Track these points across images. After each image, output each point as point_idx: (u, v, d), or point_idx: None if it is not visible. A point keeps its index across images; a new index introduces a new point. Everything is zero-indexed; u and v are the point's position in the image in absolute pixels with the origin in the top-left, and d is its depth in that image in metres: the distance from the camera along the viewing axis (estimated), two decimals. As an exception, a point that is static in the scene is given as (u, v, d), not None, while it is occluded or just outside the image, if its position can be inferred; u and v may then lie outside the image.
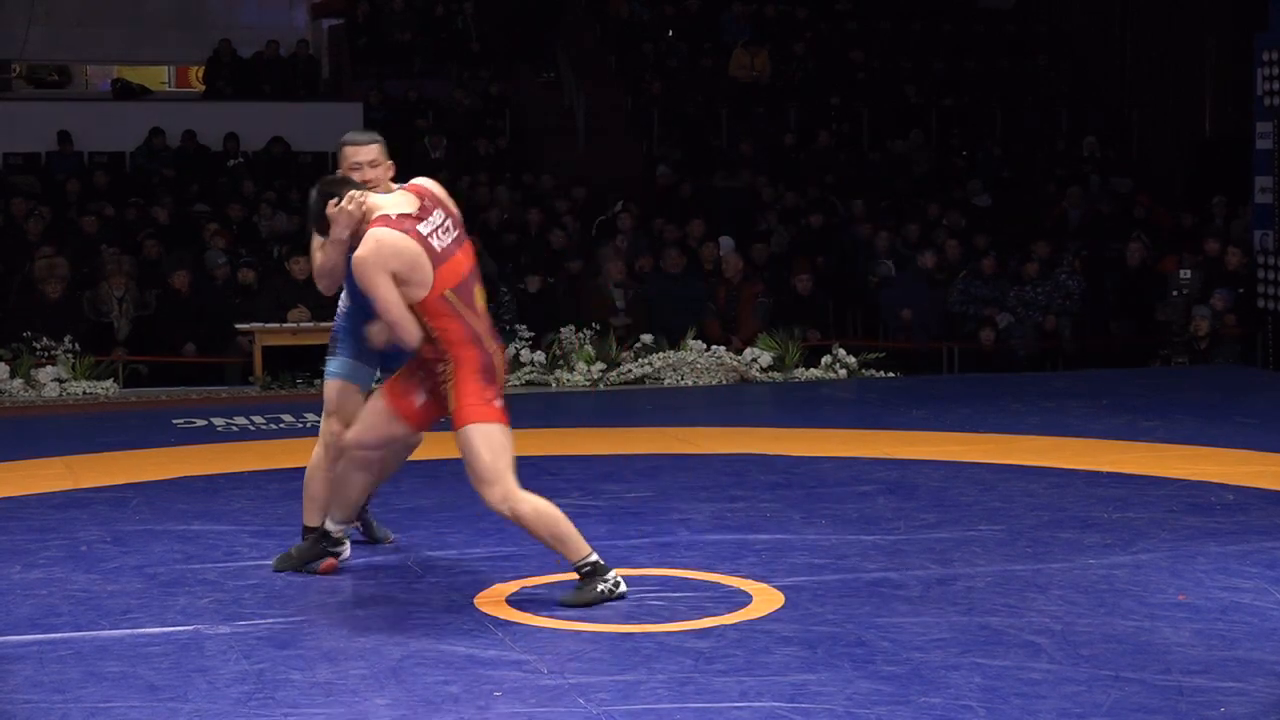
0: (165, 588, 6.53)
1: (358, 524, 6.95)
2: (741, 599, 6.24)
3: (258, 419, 11.36)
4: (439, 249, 6.07)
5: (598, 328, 14.34)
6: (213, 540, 7.34)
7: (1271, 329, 14.41)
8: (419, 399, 6.26)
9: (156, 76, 25.26)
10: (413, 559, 6.96)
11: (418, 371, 6.25)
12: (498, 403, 6.13)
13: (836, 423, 11.20)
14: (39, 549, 7.27)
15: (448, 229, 6.16)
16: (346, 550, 6.73)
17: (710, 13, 22.11)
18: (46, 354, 13.52)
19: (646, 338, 14.21)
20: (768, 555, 6.98)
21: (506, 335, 14.32)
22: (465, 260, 6.18)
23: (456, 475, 8.74)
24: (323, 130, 19.69)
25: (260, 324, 13.76)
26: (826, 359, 14.22)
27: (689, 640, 5.66)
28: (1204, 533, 7.37)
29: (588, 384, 13.77)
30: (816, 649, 5.54)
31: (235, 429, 10.97)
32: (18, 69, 23.51)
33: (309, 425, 10.57)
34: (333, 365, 6.74)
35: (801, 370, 14.09)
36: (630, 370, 13.90)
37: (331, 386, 6.72)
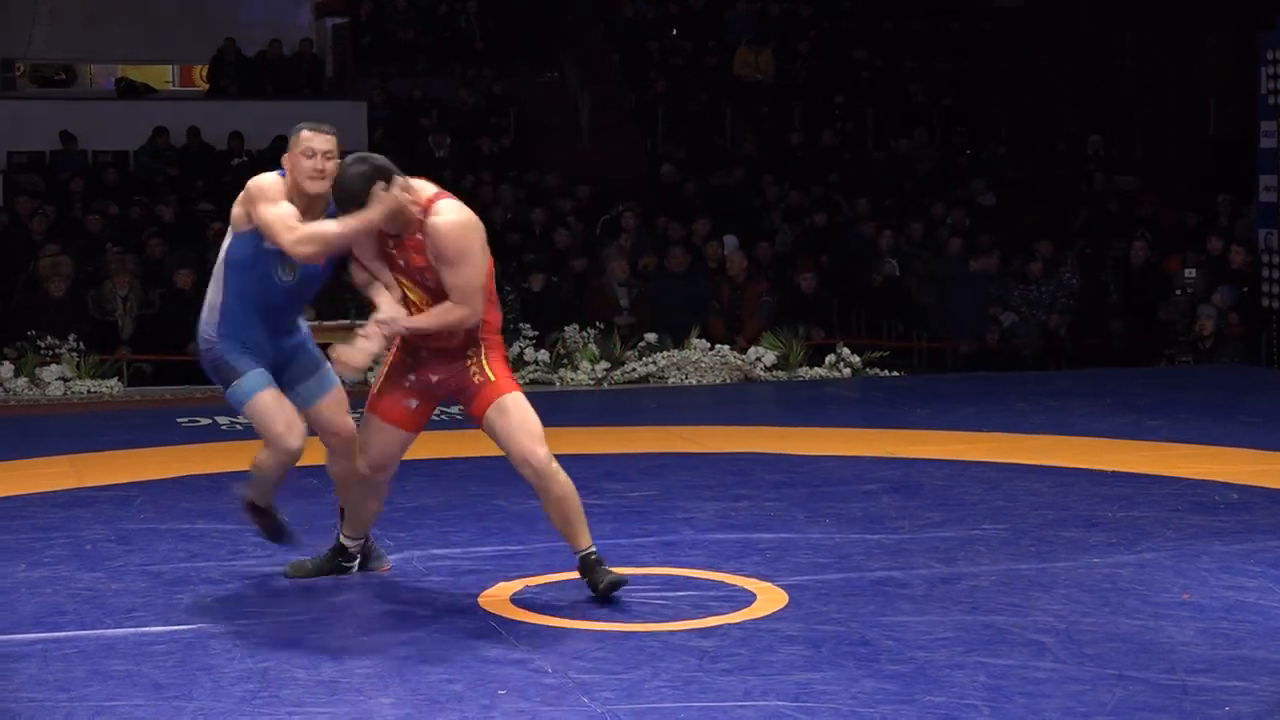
0: (170, 586, 6.54)
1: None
2: (746, 598, 6.24)
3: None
4: None
5: (602, 326, 14.33)
6: (217, 539, 7.34)
7: (1276, 328, 14.39)
8: (411, 403, 6.25)
9: (161, 75, 25.24)
10: (417, 558, 6.95)
11: (407, 375, 6.22)
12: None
13: (840, 421, 11.20)
14: (44, 547, 7.27)
15: None
16: (355, 566, 6.74)
17: (714, 11, 22.11)
18: (51, 353, 13.52)
19: (651, 336, 14.21)
20: (772, 554, 6.98)
21: (510, 334, 14.33)
22: None
23: (461, 474, 8.79)
24: (327, 129, 19.72)
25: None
26: (830, 358, 14.21)
27: (693, 639, 5.66)
28: (1209, 532, 7.37)
29: (592, 383, 13.77)
30: (821, 648, 5.54)
31: (239, 427, 10.95)
32: (21, 68, 23.51)
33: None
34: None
35: (806, 369, 14.09)
36: (634, 369, 13.89)
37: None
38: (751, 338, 14.51)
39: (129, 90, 22.18)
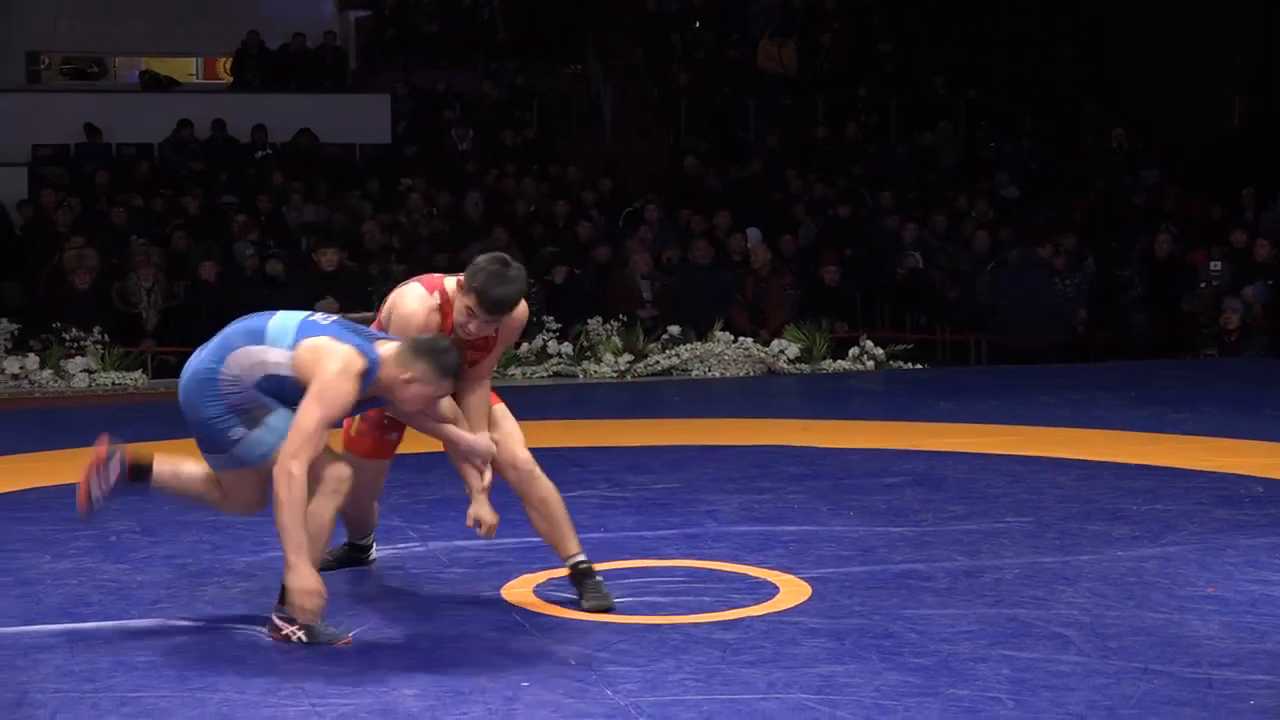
0: (194, 578, 6.55)
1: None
2: (768, 590, 6.24)
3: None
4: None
5: (625, 319, 14.35)
6: (241, 530, 7.35)
7: (1302, 321, 14.37)
8: (392, 436, 6.28)
9: (184, 68, 25.28)
10: (440, 549, 6.96)
11: (384, 414, 6.17)
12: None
13: (864, 414, 11.19)
14: (69, 539, 7.29)
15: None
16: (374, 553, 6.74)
17: (737, 4, 22.11)
18: (76, 345, 13.57)
19: (674, 329, 14.22)
20: (795, 547, 6.98)
21: (533, 327, 14.35)
22: None
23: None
24: (350, 122, 19.78)
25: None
26: (854, 351, 14.21)
27: (716, 631, 5.66)
28: (1233, 525, 7.35)
29: (615, 375, 13.78)
30: (844, 641, 5.54)
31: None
32: (47, 61, 23.56)
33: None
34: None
35: (829, 362, 14.09)
36: (657, 362, 13.90)
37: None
38: (775, 330, 14.52)
39: (153, 83, 22.23)
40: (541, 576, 6.41)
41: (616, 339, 14.06)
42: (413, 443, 6.47)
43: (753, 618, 5.84)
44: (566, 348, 13.98)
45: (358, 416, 6.18)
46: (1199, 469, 8.75)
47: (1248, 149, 18.95)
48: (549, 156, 19.67)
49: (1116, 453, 9.27)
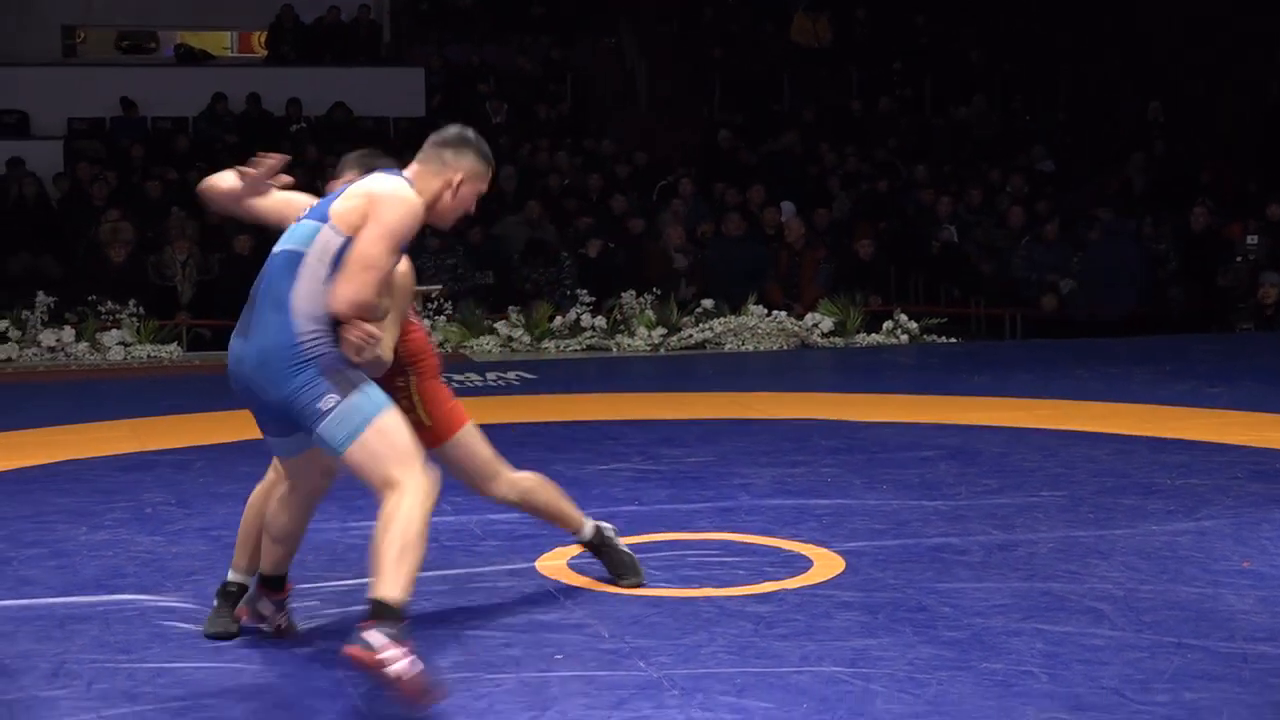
0: (229, 550, 6.53)
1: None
2: (802, 564, 6.23)
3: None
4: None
5: (659, 292, 14.34)
6: (276, 503, 7.37)
7: (1338, 295, 14.28)
8: None
9: (219, 42, 25.32)
10: (474, 522, 6.98)
11: None
12: (456, 400, 5.76)
13: (898, 388, 11.17)
14: (105, 511, 7.33)
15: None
16: None
17: (772, -22, 22.05)
18: (111, 318, 13.63)
19: (707, 302, 14.21)
20: (829, 520, 6.97)
21: (567, 300, 14.35)
22: None
23: (517, 440, 8.79)
24: (384, 96, 19.78)
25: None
26: (888, 324, 14.19)
27: (750, 604, 5.66)
28: (1269, 500, 7.32)
29: (648, 349, 13.78)
30: (877, 614, 5.53)
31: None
32: (82, 34, 23.60)
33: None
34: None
35: (863, 335, 14.07)
36: (691, 335, 13.90)
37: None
38: (809, 304, 14.50)
39: (188, 57, 22.26)
40: (575, 549, 6.42)
41: (650, 312, 14.06)
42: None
43: (786, 591, 5.84)
44: (600, 321, 13.99)
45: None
46: (1234, 443, 8.71)
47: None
48: (583, 130, 19.66)
49: (1151, 427, 9.24)
